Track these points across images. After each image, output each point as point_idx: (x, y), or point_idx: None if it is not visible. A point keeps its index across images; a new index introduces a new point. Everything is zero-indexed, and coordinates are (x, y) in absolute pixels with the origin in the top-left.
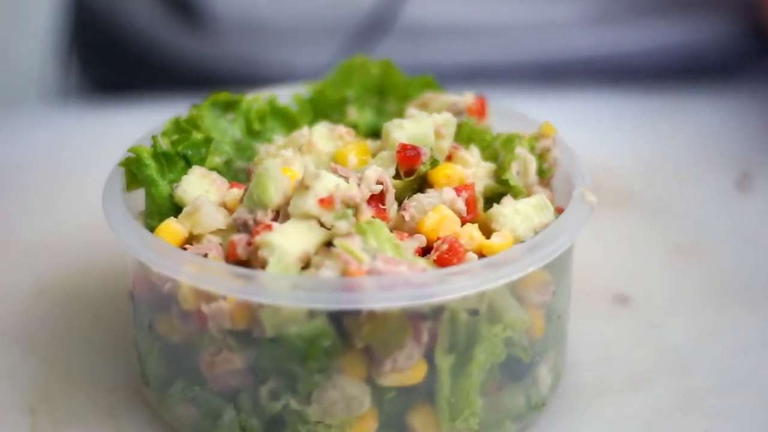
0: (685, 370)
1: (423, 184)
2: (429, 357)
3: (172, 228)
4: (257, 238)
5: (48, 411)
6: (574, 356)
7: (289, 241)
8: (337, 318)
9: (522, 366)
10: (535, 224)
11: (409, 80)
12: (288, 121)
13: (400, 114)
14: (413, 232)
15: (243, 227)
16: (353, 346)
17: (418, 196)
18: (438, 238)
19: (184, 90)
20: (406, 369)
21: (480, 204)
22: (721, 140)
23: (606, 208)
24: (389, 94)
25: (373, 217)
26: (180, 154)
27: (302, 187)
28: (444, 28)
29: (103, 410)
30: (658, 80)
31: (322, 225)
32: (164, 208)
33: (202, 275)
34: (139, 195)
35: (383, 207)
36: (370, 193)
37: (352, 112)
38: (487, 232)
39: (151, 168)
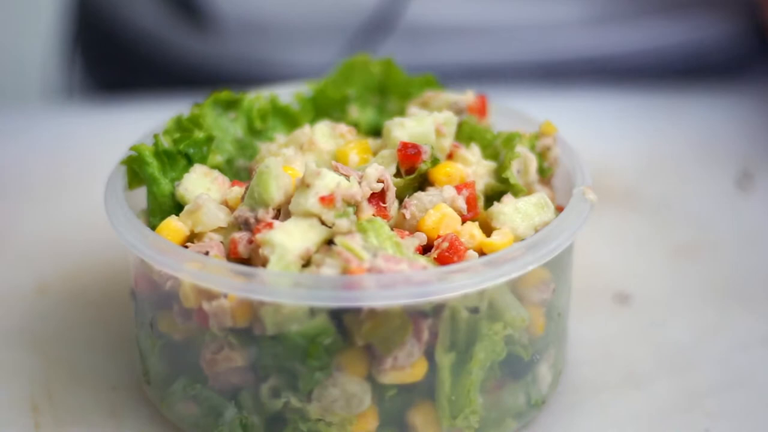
0: (685, 369)
1: (424, 183)
2: (429, 355)
3: (174, 226)
4: (258, 236)
5: (50, 409)
6: (575, 354)
7: (290, 239)
8: (337, 316)
9: (522, 364)
10: (536, 222)
11: (410, 79)
12: (289, 120)
13: (401, 112)
14: (414, 230)
15: (244, 225)
16: (354, 344)
17: (419, 194)
18: (438, 236)
19: (187, 89)
20: (406, 367)
21: (480, 202)
22: (721, 139)
23: (607, 206)
24: (390, 93)
25: (373, 215)
26: (182, 152)
27: (303, 185)
28: (446, 28)
29: (105, 408)
30: (659, 79)
31: (323, 223)
32: (166, 206)
33: (204, 273)
34: (141, 193)
35: (384, 205)
36: (371, 192)
37: (354, 111)
38: (488, 230)
39: (153, 166)
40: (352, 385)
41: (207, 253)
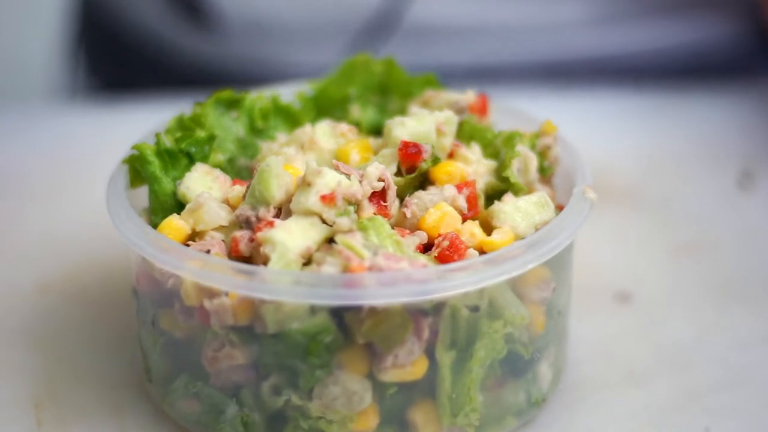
0: (685, 367)
1: (424, 182)
2: (430, 353)
3: (175, 224)
4: (259, 235)
5: (53, 406)
6: (575, 353)
7: (291, 237)
8: (338, 314)
9: (522, 362)
10: (536, 221)
11: (411, 78)
12: (291, 119)
13: (402, 112)
14: (414, 228)
15: (245, 224)
16: (354, 342)
17: (420, 193)
18: (439, 235)
19: (189, 88)
20: (407, 365)
21: (481, 201)
22: (722, 139)
23: (607, 205)
24: (391, 92)
25: (374, 213)
26: (183, 151)
27: (304, 183)
28: (447, 28)
29: (107, 405)
30: (660, 79)
31: (323, 221)
32: (167, 204)
33: (205, 271)
34: (143, 192)
35: (385, 204)
36: (372, 190)
37: (355, 110)
38: (488, 229)
39: (155, 165)
40: (352, 383)
41: (208, 252)
